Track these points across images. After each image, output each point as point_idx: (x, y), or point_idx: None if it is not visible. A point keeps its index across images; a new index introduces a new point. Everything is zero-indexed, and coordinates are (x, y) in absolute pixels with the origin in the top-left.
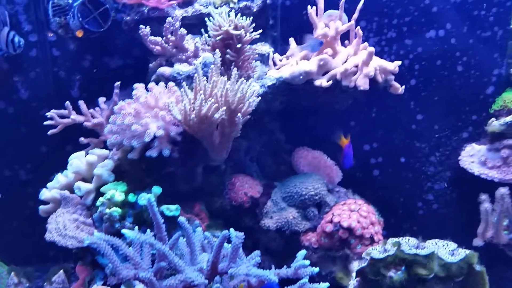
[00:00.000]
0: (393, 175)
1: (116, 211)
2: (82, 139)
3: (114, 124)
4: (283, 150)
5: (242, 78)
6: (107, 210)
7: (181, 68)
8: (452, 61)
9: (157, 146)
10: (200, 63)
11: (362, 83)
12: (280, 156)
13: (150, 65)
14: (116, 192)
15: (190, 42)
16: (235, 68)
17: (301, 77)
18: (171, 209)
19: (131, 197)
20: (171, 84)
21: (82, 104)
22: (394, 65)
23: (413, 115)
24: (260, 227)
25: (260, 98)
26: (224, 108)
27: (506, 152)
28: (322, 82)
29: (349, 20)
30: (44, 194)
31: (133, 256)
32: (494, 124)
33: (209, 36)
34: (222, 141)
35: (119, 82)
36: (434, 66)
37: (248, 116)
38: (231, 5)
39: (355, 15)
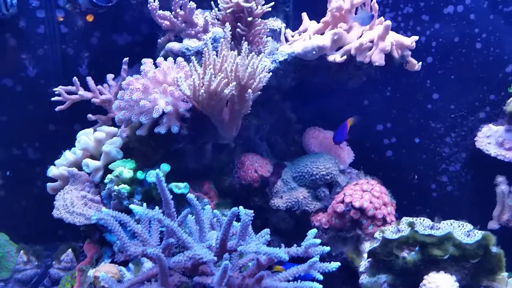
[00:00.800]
0: (407, 156)
1: (125, 188)
2: (90, 115)
3: (122, 100)
4: (294, 130)
5: (253, 53)
6: (116, 187)
7: (190, 43)
8: (470, 38)
9: (166, 123)
10: (209, 38)
11: (378, 59)
12: (290, 136)
13: (159, 40)
14: (124, 169)
15: (200, 17)
16: (246, 42)
17: (314, 52)
18: (180, 187)
19: (140, 174)
20: (179, 59)
21: (90, 80)
22: (411, 40)
23: (429, 94)
24: (269, 207)
25: (271, 73)
26: (234, 83)
27: None
28: (336, 57)
29: None
30: (52, 171)
31: (141, 232)
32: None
33: (219, 10)
34: (232, 118)
35: (127, 58)
36: (452, 43)
37: (259, 93)
38: None
39: None
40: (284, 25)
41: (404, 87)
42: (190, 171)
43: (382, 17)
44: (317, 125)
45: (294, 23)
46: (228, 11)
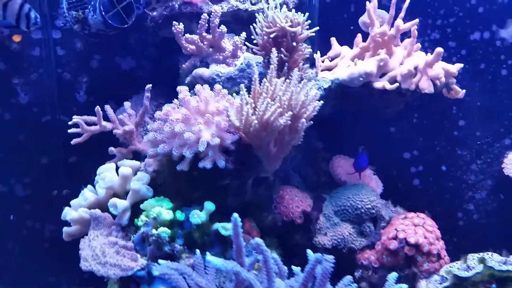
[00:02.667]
0: (434, 185)
1: (165, 231)
2: (112, 149)
3: (160, 132)
4: (321, 159)
5: (304, 80)
6: (154, 231)
7: (220, 69)
8: (496, 64)
9: (211, 156)
10: (243, 63)
11: (427, 86)
12: (318, 165)
13: (183, 66)
14: (162, 209)
15: (226, 41)
16: (296, 69)
17: (361, 78)
18: (227, 228)
19: (180, 215)
20: (218, 87)
21: (109, 109)
22: (456, 68)
23: (456, 120)
24: (313, 245)
25: (322, 102)
26: (290, 113)
27: None
28: (385, 84)
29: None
30: (70, 214)
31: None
32: None
33: (256, 34)
34: (280, 150)
35: (150, 85)
36: (478, 70)
37: (311, 122)
38: (270, 1)
39: (402, 14)
40: (310, 49)
41: (430, 114)
42: (228, 207)
43: (419, 43)
44: (342, 153)
45: (318, 47)
46: (272, 35)
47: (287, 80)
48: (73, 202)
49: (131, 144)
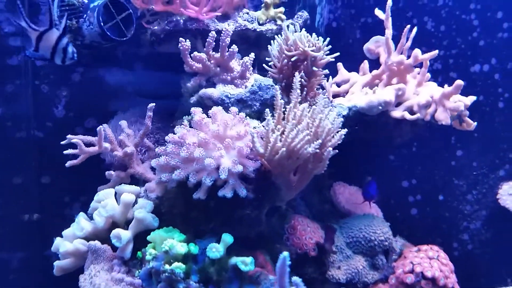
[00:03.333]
0: (431, 214)
1: (180, 267)
2: (110, 172)
3: (174, 156)
4: (326, 186)
5: (330, 107)
6: (166, 267)
7: (229, 90)
8: (494, 97)
9: (231, 184)
10: (254, 85)
11: (444, 117)
12: (323, 193)
13: (188, 84)
14: (175, 242)
15: (233, 61)
16: (321, 95)
17: (380, 107)
18: (247, 263)
19: (194, 248)
20: (234, 109)
21: (107, 129)
22: (470, 100)
23: (453, 150)
24: (326, 279)
25: (346, 130)
26: (320, 141)
27: None
28: (405, 114)
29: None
30: (64, 246)
31: None
32: None
33: (272, 56)
34: (301, 179)
35: (153, 104)
36: (477, 101)
37: (336, 151)
38: (278, 22)
39: (408, 44)
40: (330, 77)
41: (430, 143)
42: (240, 239)
43: (429, 74)
44: (343, 180)
45: None
46: (292, 59)
47: (313, 107)
48: (66, 232)
49: (130, 167)
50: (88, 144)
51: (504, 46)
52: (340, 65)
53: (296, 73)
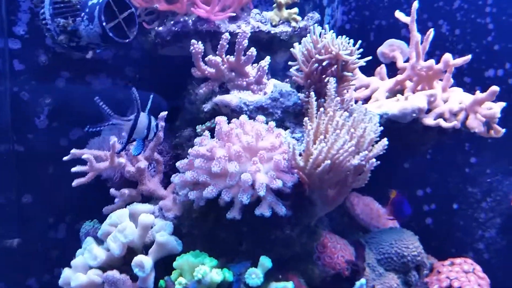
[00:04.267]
0: (446, 223)
1: None
2: (125, 191)
3: (202, 172)
4: None
5: (371, 114)
6: None
7: (246, 97)
8: (508, 102)
9: (269, 202)
10: (274, 91)
11: (476, 125)
12: (341, 205)
13: (201, 91)
14: (207, 268)
15: (248, 66)
16: (359, 102)
17: (414, 114)
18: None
19: (229, 275)
20: (261, 118)
21: (115, 143)
22: (500, 106)
23: (468, 158)
24: None
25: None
26: (366, 152)
27: None
28: (440, 122)
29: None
30: (77, 279)
31: None
32: None
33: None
34: (339, 193)
35: (165, 113)
36: None
37: (378, 162)
38: (292, 24)
39: (426, 46)
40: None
41: (444, 150)
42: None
43: (452, 79)
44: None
45: None
46: (324, 63)
47: (354, 115)
48: (76, 262)
49: (141, 184)
50: (97, 159)
51: None
52: (357, 70)
53: (331, 79)
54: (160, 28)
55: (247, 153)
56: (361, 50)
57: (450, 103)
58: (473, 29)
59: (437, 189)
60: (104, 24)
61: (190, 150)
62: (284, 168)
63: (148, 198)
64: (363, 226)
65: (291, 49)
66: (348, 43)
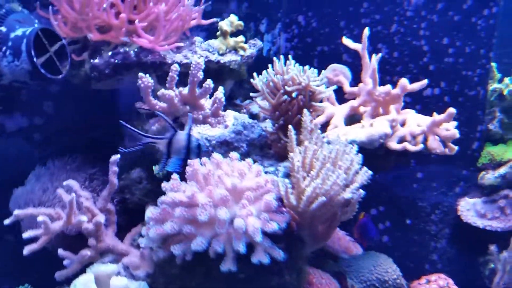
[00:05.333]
0: (401, 239)
1: None
2: (86, 253)
3: (185, 222)
4: None
5: (350, 145)
6: None
7: (206, 131)
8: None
9: (264, 247)
10: (236, 124)
11: (437, 146)
12: None
13: (152, 128)
14: None
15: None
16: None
17: (381, 140)
18: None
19: None
20: (235, 155)
21: (73, 200)
22: (453, 125)
23: (414, 173)
24: None
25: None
26: (357, 185)
27: (503, 202)
28: (407, 146)
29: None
30: None
31: None
32: (490, 177)
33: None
34: (329, 228)
35: (118, 156)
36: None
37: (364, 192)
38: (240, 52)
39: (373, 72)
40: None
41: (393, 168)
42: None
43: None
44: None
45: None
46: (294, 94)
47: (336, 147)
48: None
49: (99, 241)
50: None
51: (451, 71)
52: None
53: (305, 111)
54: (96, 61)
55: (231, 195)
56: (326, 80)
57: (410, 126)
58: (410, 51)
59: (390, 207)
60: (35, 59)
61: (163, 198)
62: (274, 209)
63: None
64: (330, 252)
65: (252, 80)
66: (313, 73)
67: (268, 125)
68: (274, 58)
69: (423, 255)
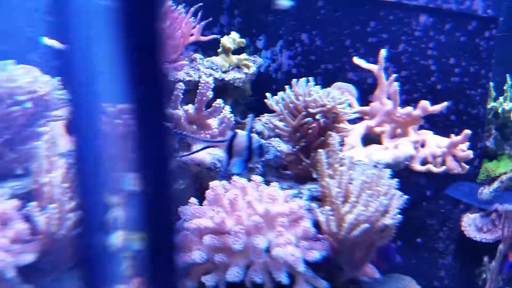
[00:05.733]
0: (413, 258)
1: None
2: None
3: (217, 251)
4: None
5: (379, 166)
6: None
7: (219, 152)
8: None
9: (306, 277)
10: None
11: (454, 166)
12: None
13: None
14: None
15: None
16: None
17: (406, 162)
18: None
19: None
20: (258, 178)
21: None
22: (467, 145)
23: (424, 191)
24: None
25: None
26: (397, 209)
27: (494, 215)
28: (430, 167)
29: None
30: None
31: None
32: (486, 193)
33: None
34: (366, 253)
35: None
36: None
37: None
38: (245, 70)
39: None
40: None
41: (403, 185)
42: None
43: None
44: None
45: None
46: (317, 116)
47: (373, 171)
48: None
49: None
50: None
51: (456, 90)
52: None
53: (332, 133)
54: None
55: (264, 221)
56: (349, 101)
57: (431, 147)
58: (418, 71)
59: (402, 226)
60: None
61: (186, 224)
62: (312, 236)
63: None
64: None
65: (267, 100)
66: (339, 95)
67: (276, 144)
68: (294, 80)
69: (433, 272)
